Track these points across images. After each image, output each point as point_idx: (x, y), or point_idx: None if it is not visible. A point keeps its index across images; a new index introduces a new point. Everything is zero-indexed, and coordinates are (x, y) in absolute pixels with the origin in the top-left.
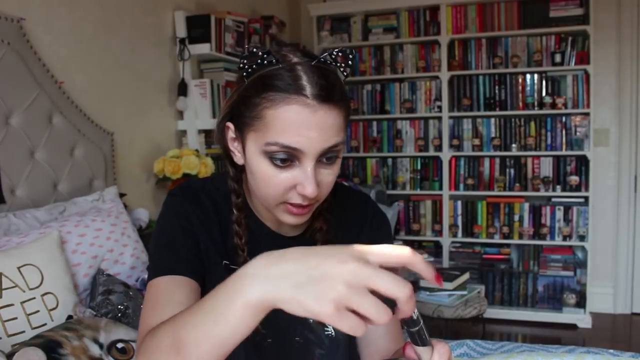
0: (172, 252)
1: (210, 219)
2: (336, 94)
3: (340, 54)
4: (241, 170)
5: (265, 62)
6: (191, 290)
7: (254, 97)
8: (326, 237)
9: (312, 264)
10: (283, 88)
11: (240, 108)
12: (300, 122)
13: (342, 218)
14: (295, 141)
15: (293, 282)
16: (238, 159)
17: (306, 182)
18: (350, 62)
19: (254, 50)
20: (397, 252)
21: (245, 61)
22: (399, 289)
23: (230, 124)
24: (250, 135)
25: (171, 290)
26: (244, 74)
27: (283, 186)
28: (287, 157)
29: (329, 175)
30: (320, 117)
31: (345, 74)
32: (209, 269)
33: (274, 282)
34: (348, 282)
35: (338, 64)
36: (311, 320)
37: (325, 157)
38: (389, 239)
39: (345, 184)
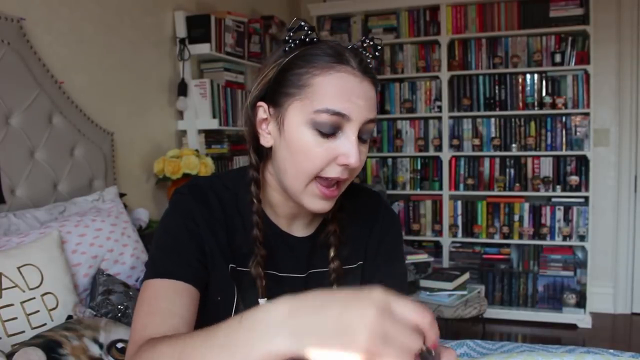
0: (175, 254)
1: (217, 219)
2: (372, 72)
3: (370, 42)
4: (265, 156)
5: (308, 39)
6: (191, 299)
7: (300, 67)
8: (339, 240)
9: (334, 314)
10: (330, 58)
11: (281, 81)
12: (350, 89)
13: (354, 215)
14: (344, 107)
15: (318, 337)
16: (267, 140)
17: (351, 150)
18: (377, 53)
19: (302, 24)
20: (420, 316)
21: (291, 33)
22: (422, 317)
23: (262, 103)
24: (295, 105)
25: (170, 298)
26: (286, 48)
27: (325, 157)
28: (334, 127)
29: (363, 154)
30: (365, 88)
31: (370, 65)
32: (213, 272)
33: (300, 337)
34: (372, 332)
35: (366, 53)
36: None
37: (363, 135)
38: (399, 238)
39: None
